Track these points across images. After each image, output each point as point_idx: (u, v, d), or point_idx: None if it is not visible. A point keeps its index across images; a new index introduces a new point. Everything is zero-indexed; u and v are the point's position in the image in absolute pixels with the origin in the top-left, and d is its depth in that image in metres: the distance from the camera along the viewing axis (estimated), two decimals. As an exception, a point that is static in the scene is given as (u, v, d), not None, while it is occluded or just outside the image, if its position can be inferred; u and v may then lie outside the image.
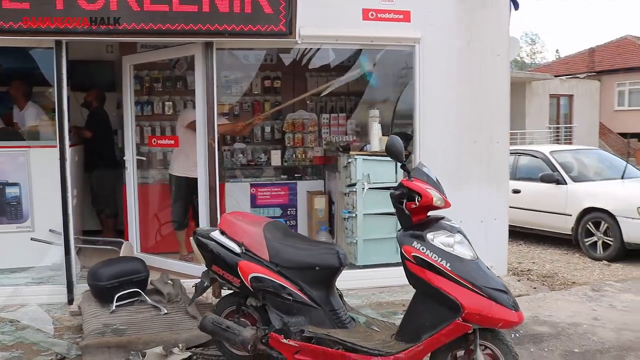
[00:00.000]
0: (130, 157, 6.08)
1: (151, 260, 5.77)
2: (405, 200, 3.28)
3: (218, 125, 5.59)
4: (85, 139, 6.90)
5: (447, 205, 3.32)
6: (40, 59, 6.66)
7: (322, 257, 3.56)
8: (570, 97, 23.89)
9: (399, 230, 3.39)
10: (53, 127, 6.46)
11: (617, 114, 26.40)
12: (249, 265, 3.56)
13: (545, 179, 8.48)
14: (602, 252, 7.74)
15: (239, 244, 3.64)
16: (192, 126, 5.85)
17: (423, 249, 3.19)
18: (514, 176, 8.89)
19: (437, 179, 3.42)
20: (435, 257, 3.17)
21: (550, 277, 6.90)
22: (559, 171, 8.47)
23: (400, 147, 3.30)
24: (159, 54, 6.03)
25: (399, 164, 3.40)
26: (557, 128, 22.81)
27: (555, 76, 24.99)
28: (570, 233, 8.16)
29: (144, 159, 6.51)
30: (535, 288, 6.34)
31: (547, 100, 22.67)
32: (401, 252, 3.27)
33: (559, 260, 7.78)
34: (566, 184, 8.30)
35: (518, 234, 8.86)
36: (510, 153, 9.08)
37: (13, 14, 4.71)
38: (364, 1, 5.47)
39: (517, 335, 4.61)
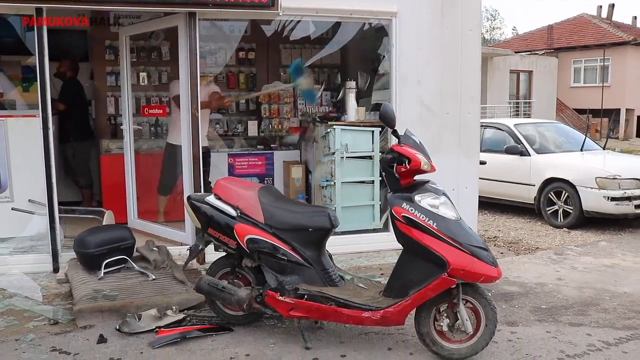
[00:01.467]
0: (127, 127, 6.13)
1: (147, 227, 5.92)
2: (395, 164, 3.48)
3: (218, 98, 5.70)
4: (60, 110, 6.84)
5: (432, 169, 3.55)
6: (9, 26, 6.57)
7: (314, 218, 3.75)
8: (530, 73, 24.54)
9: (388, 193, 3.59)
10: (22, 96, 6.42)
11: (573, 90, 27.25)
12: (244, 228, 3.73)
13: (509, 151, 8.82)
14: (562, 220, 8.15)
15: (235, 208, 3.80)
16: (175, 100, 5.91)
17: (412, 210, 3.41)
18: (480, 148, 9.20)
19: (423, 145, 3.63)
20: (422, 217, 3.40)
21: (515, 243, 7.27)
22: (522, 143, 8.82)
23: (393, 114, 3.50)
24: (151, 24, 6.04)
25: (390, 130, 3.58)
26: (517, 103, 23.44)
27: (515, 52, 25.56)
28: (533, 202, 8.54)
29: (141, 128, 6.50)
30: (502, 253, 6.68)
31: (508, 75, 23.25)
32: (391, 212, 3.48)
33: (523, 228, 8.17)
34: (529, 155, 8.66)
35: (483, 203, 9.17)
36: (477, 126, 9.44)
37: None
38: (344, -26, 5.59)
39: (490, 294, 4.89)
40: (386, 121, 3.51)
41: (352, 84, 6.40)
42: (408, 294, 3.44)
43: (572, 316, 4.53)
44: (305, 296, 3.63)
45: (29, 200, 5.60)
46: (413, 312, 3.58)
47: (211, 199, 3.89)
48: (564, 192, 8.13)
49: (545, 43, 28.66)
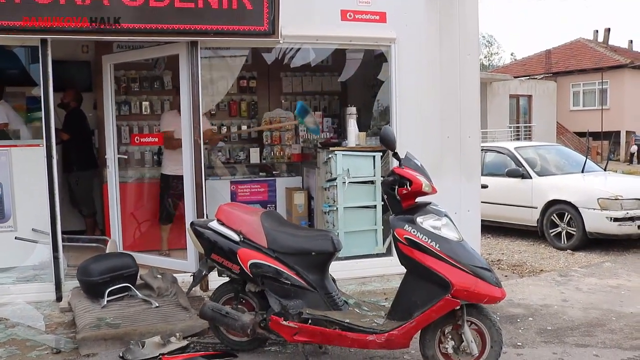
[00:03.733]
0: (111, 156, 6.15)
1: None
2: (397, 187, 3.50)
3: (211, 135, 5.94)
4: (64, 139, 6.89)
5: (433, 191, 3.57)
6: (15, 58, 6.65)
7: (317, 242, 3.76)
8: (529, 97, 24.72)
9: (390, 215, 3.60)
10: (28, 126, 6.49)
11: (572, 113, 27.42)
12: (248, 253, 3.74)
13: (511, 174, 8.85)
14: (566, 242, 8.13)
15: (238, 233, 3.81)
16: (167, 135, 6.02)
17: (414, 231, 3.43)
18: (482, 172, 9.22)
19: (424, 167, 3.65)
20: (425, 239, 3.41)
21: (519, 266, 7.24)
22: (524, 166, 8.86)
23: (393, 137, 3.54)
24: (141, 53, 6.11)
25: (391, 153, 3.61)
26: (517, 127, 23.57)
27: (514, 77, 25.79)
28: (536, 225, 8.54)
29: (126, 157, 6.55)
30: (506, 276, 6.65)
31: (507, 100, 23.42)
32: (393, 234, 3.49)
33: (527, 251, 8.15)
34: (531, 178, 8.69)
35: (486, 227, 9.17)
36: (478, 149, 9.48)
37: (-1, 11, 4.74)
38: (342, 2, 5.68)
39: (495, 317, 4.88)
40: (386, 144, 3.55)
41: (353, 109, 6.45)
42: (412, 316, 3.43)
43: (578, 337, 4.50)
44: (310, 320, 3.62)
45: (32, 229, 5.60)
46: (418, 334, 3.56)
47: (214, 224, 3.91)
48: (566, 213, 8.13)
49: (544, 68, 28.93)
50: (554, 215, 8.29)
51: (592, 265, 7.04)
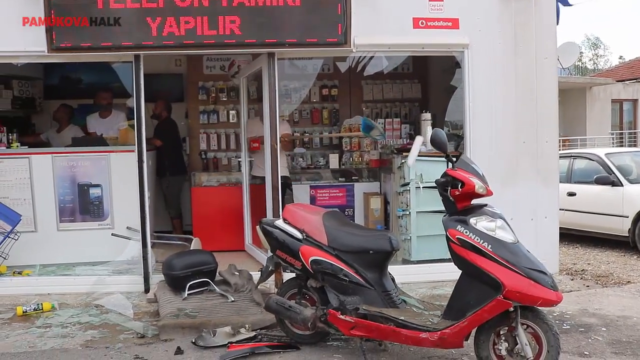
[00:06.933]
0: (244, 159, 6.90)
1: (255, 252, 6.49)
2: (449, 188, 3.59)
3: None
4: (157, 147, 7.45)
5: (488, 193, 3.60)
6: (117, 73, 7.33)
7: (375, 241, 3.91)
8: (635, 101, 23.19)
9: (444, 215, 3.69)
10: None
11: (685, 118, 25.38)
12: (309, 250, 3.96)
13: (600, 181, 8.46)
14: (661, 254, 7.68)
15: (301, 231, 4.05)
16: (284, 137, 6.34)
17: (466, 232, 3.49)
18: (569, 179, 8.95)
19: (480, 170, 3.70)
20: (477, 240, 3.46)
21: (604, 276, 6.92)
22: (614, 173, 8.44)
23: (444, 138, 3.62)
24: (254, 65, 6.50)
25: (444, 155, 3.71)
26: (621, 134, 22.19)
27: (619, 81, 24.29)
28: (627, 235, 8.11)
29: (252, 159, 6.96)
30: (587, 286, 6.40)
31: (609, 105, 22.08)
32: (446, 235, 3.57)
33: (615, 262, 7.76)
34: (622, 185, 8.27)
35: (574, 236, 8.88)
36: (566, 156, 9.15)
37: (98, 33, 5.33)
38: (414, 10, 5.79)
39: (566, 325, 4.78)
40: (437, 145, 3.64)
41: (427, 115, 6.53)
42: (465, 315, 3.48)
43: (655, 351, 4.30)
44: (366, 316, 3.76)
45: (127, 227, 6.17)
46: (474, 333, 3.60)
47: (280, 222, 4.17)
48: (661, 223, 7.68)
49: (653, 70, 27.01)
50: (647, 225, 7.84)
51: (687, 278, 6.61)
